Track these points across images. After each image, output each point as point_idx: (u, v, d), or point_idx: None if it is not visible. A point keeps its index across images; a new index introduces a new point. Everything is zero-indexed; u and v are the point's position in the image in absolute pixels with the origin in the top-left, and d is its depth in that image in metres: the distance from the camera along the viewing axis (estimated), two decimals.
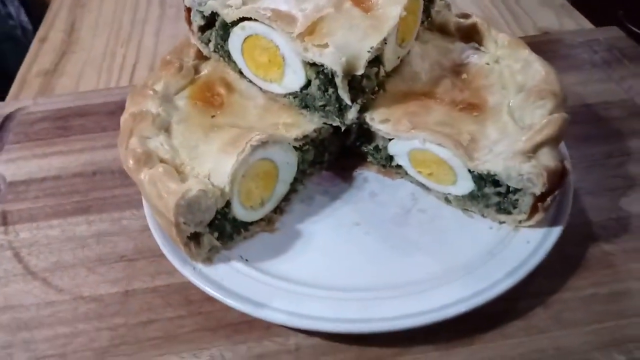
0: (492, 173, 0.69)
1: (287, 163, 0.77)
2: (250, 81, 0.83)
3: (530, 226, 0.71)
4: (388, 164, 0.82)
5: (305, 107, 0.79)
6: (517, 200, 0.70)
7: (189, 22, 0.85)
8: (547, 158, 0.67)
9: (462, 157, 0.70)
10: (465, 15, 0.92)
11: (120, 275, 0.75)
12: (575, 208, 0.79)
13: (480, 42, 0.88)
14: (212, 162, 0.70)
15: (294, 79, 0.77)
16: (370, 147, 0.83)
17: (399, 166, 0.81)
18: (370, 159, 0.85)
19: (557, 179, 0.66)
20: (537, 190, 0.66)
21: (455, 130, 0.74)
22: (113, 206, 0.85)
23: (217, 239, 0.71)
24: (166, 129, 0.76)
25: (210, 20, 0.82)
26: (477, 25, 0.88)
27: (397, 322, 0.62)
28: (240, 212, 0.72)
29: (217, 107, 0.81)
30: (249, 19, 0.77)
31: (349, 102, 0.75)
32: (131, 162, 0.68)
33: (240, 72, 0.83)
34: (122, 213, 0.84)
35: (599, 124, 0.95)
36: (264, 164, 0.73)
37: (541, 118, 0.71)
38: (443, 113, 0.77)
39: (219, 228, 0.70)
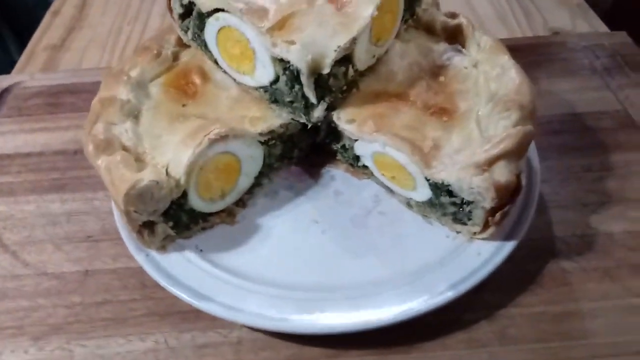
0: (446, 183, 0.68)
1: (251, 157, 0.77)
2: (225, 72, 0.83)
3: (484, 239, 0.70)
4: (355, 163, 0.82)
5: (275, 101, 0.79)
6: (470, 212, 0.69)
7: (170, 9, 0.85)
8: (501, 172, 0.65)
9: (418, 163, 0.69)
10: (453, 15, 0.89)
11: (83, 255, 0.78)
12: (542, 221, 0.78)
13: (463, 44, 0.86)
14: (172, 153, 0.71)
15: (264, 73, 0.77)
16: (339, 145, 0.83)
17: (365, 167, 0.81)
18: (339, 157, 0.85)
19: (508, 194, 0.65)
20: (487, 205, 0.65)
21: (420, 136, 0.73)
22: (87, 186, 0.87)
23: (173, 228, 0.72)
24: (135, 116, 0.77)
25: (189, 8, 0.83)
26: (461, 26, 0.86)
27: (329, 325, 0.63)
28: (197, 203, 0.73)
29: (190, 96, 0.82)
30: (223, 10, 0.77)
31: (314, 101, 0.74)
32: (91, 147, 0.70)
33: (216, 62, 0.84)
34: (95, 194, 0.86)
35: (585, 134, 0.92)
36: (224, 158, 0.74)
37: (504, 130, 0.69)
38: (412, 116, 0.76)
39: (174, 218, 0.72)
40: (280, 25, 0.74)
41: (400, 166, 0.73)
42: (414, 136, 0.73)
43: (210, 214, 0.76)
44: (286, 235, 0.75)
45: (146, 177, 0.66)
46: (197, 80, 0.84)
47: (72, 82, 1.10)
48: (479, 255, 0.69)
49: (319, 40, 0.73)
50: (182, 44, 0.88)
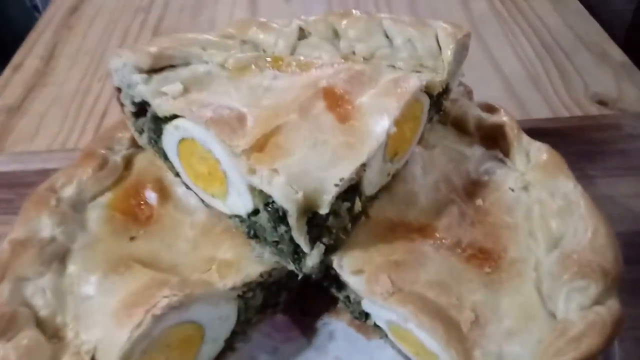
0: None
1: (219, 318, 0.56)
2: (190, 188, 0.63)
3: None
4: (363, 318, 0.61)
5: (254, 236, 0.58)
6: None
7: (121, 104, 0.65)
8: None
9: (455, 358, 0.48)
10: (491, 109, 0.69)
11: None
12: None
13: (506, 152, 0.65)
14: (103, 329, 0.50)
15: (239, 201, 0.56)
16: (340, 295, 0.61)
17: (376, 325, 0.60)
18: (340, 305, 0.63)
19: None
20: None
21: (454, 299, 0.52)
22: None
23: None
24: (61, 260, 0.56)
25: (143, 107, 0.62)
26: (503, 128, 0.65)
27: None
28: None
29: (141, 223, 0.61)
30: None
31: (306, 249, 0.53)
32: None
33: (179, 175, 0.63)
34: None
35: None
36: (179, 330, 0.53)
37: (579, 311, 0.48)
38: (442, 265, 0.55)
39: None
40: (261, 144, 0.53)
41: (426, 350, 0.51)
42: (446, 300, 0.52)
43: None
44: None
45: None
46: (152, 199, 0.63)
47: (12, 169, 0.89)
48: None
49: (313, 169, 0.52)
50: (137, 144, 0.68)
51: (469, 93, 0.71)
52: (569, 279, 0.49)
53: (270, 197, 0.52)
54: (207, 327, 0.55)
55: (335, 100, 0.56)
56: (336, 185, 0.51)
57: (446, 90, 0.65)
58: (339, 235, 0.56)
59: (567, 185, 0.58)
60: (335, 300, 0.63)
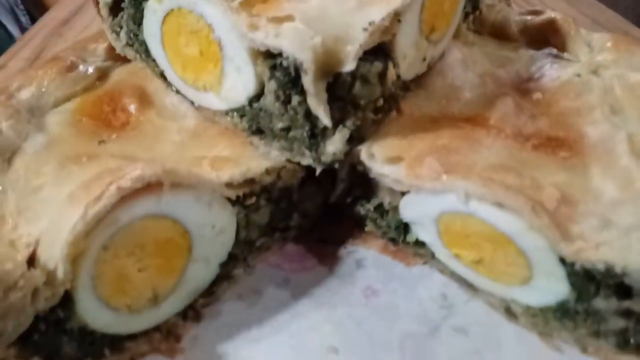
0: (613, 270, 0.32)
1: (212, 228, 0.42)
2: (179, 92, 0.51)
3: None
4: (400, 237, 0.46)
5: (258, 131, 0.45)
6: None
7: (96, 1, 0.54)
8: None
9: (550, 232, 0.34)
10: (535, 12, 0.58)
11: None
12: None
13: (561, 47, 0.54)
14: (50, 218, 0.36)
15: (238, 81, 0.44)
16: (370, 206, 0.47)
17: (419, 242, 0.45)
18: (370, 226, 0.49)
19: None
20: None
21: (528, 181, 0.39)
22: None
23: None
24: (8, 158, 0.43)
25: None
26: (555, 23, 0.55)
27: None
28: (99, 317, 0.37)
29: (114, 128, 0.48)
30: None
31: (327, 122, 0.41)
32: None
33: (164, 77, 0.51)
34: None
35: None
36: (158, 227, 0.39)
37: None
38: (502, 150, 0.43)
39: (46, 347, 0.35)
40: None
41: (499, 239, 0.38)
42: (517, 181, 0.39)
43: (129, 337, 0.40)
44: None
45: None
46: (131, 105, 0.51)
47: None
48: None
49: (335, 14, 0.41)
50: (115, 57, 0.56)
51: None
52: None
53: (278, 57, 0.40)
54: (196, 237, 0.41)
55: None
56: (365, 29, 0.39)
57: None
58: (366, 118, 0.44)
59: None
60: (361, 224, 0.49)
